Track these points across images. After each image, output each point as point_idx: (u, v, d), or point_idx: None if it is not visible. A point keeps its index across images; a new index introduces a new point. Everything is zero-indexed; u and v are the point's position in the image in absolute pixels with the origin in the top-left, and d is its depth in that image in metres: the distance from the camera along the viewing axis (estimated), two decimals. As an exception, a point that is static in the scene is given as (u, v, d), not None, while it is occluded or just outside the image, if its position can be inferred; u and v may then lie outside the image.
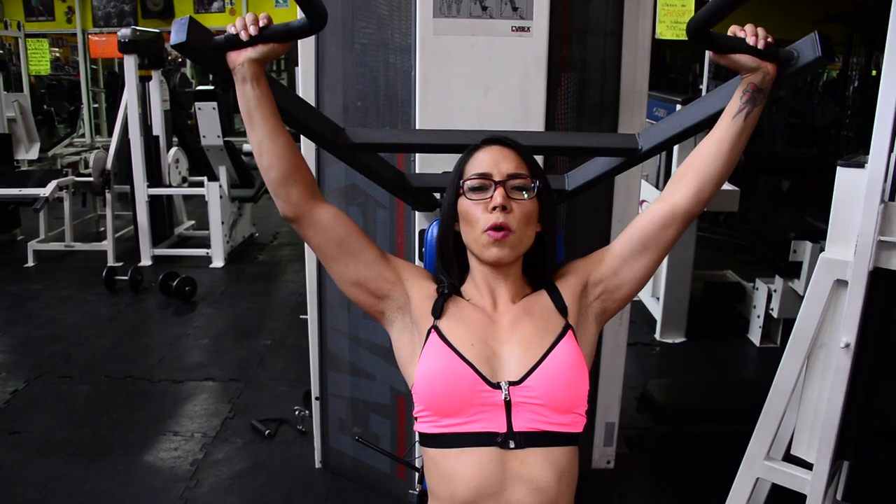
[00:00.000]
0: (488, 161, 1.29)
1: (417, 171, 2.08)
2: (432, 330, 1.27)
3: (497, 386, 1.22)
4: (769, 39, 1.21)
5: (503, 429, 1.20)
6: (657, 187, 4.34)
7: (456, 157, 1.38)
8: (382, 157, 1.67)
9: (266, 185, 1.29)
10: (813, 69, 1.26)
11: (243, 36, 1.17)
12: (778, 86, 1.28)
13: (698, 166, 1.29)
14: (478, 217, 1.27)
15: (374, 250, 1.33)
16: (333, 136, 1.50)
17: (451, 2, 1.94)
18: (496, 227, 1.25)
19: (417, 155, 2.11)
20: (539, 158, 1.44)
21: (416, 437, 1.30)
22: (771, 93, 1.28)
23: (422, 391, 1.24)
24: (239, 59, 1.20)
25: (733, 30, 1.24)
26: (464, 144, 1.38)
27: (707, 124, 1.37)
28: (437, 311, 1.29)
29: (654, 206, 1.33)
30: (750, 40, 1.21)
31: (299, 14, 1.23)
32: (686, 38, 1.31)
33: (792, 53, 1.25)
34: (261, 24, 1.18)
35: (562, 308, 1.31)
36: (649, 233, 1.31)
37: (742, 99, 1.25)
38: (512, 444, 1.20)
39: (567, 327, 1.28)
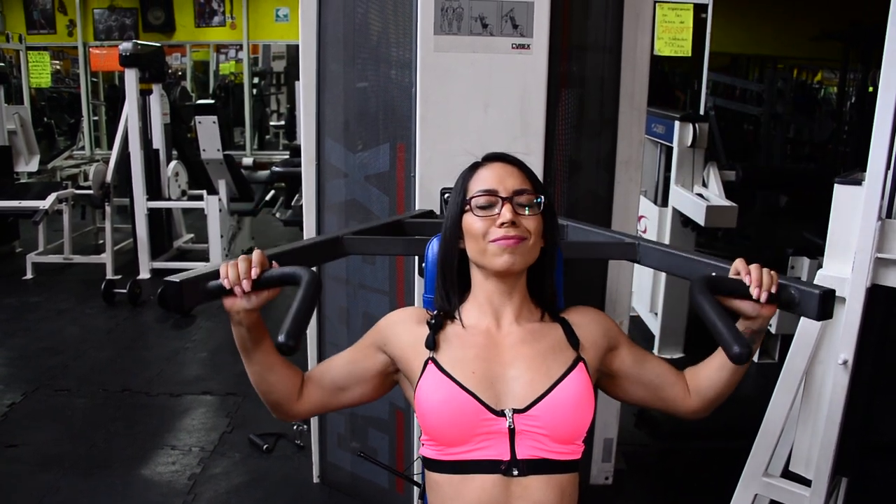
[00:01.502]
0: (493, 178, 1.30)
1: (417, 191, 2.10)
2: (429, 361, 1.27)
3: (501, 413, 1.21)
4: (773, 290, 1.20)
5: (507, 456, 1.20)
6: (655, 203, 4.35)
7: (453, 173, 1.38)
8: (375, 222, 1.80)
9: (263, 401, 1.34)
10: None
11: (237, 292, 1.16)
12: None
13: (708, 395, 1.35)
14: (485, 230, 1.27)
15: (354, 362, 1.36)
16: (333, 251, 1.59)
17: (452, 19, 1.96)
18: (507, 238, 1.25)
19: (417, 178, 2.11)
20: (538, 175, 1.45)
21: (418, 457, 1.30)
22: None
23: (425, 423, 1.24)
24: (234, 308, 1.19)
25: (738, 267, 1.24)
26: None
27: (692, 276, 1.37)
28: (431, 344, 1.28)
29: (681, 380, 1.38)
30: (753, 292, 1.19)
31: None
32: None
33: (794, 299, 1.23)
34: (254, 274, 1.16)
35: (574, 342, 1.30)
36: (664, 394, 1.37)
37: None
38: (515, 472, 1.20)
39: (579, 359, 1.28)
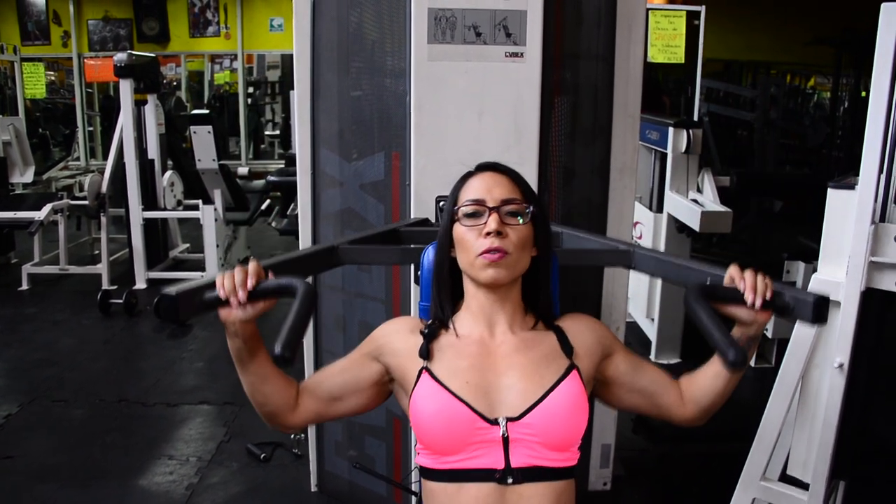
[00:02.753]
0: (482, 187, 1.30)
1: (413, 198, 2.10)
2: (423, 371, 1.27)
3: (495, 422, 1.21)
4: (768, 296, 1.20)
5: (501, 465, 1.21)
6: (650, 209, 4.36)
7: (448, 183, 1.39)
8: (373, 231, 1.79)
9: (257, 411, 1.33)
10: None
11: (233, 303, 1.16)
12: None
13: (703, 403, 1.34)
14: (472, 242, 1.28)
15: (350, 372, 1.36)
16: (329, 260, 1.58)
17: (446, 28, 1.97)
18: (491, 251, 1.26)
19: (412, 186, 2.12)
20: (532, 183, 1.46)
21: (416, 466, 1.30)
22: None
23: (420, 433, 1.24)
24: (230, 319, 1.19)
25: (732, 274, 1.24)
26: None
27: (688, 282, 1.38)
28: (425, 353, 1.29)
29: (675, 388, 1.37)
30: (748, 298, 1.20)
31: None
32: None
33: (787, 305, 1.24)
34: (249, 285, 1.17)
35: (567, 350, 1.31)
36: (659, 401, 1.37)
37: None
38: (510, 480, 1.20)
39: (572, 367, 1.28)
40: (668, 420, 1.38)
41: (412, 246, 1.74)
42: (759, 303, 1.20)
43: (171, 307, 1.16)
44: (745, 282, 1.21)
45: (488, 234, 1.26)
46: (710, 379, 1.32)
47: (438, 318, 1.35)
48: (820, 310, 1.21)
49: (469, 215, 1.29)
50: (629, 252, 1.55)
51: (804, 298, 1.21)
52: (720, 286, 1.24)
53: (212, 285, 1.19)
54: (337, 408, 1.36)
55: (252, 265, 1.19)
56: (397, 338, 1.34)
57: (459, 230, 1.30)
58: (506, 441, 1.21)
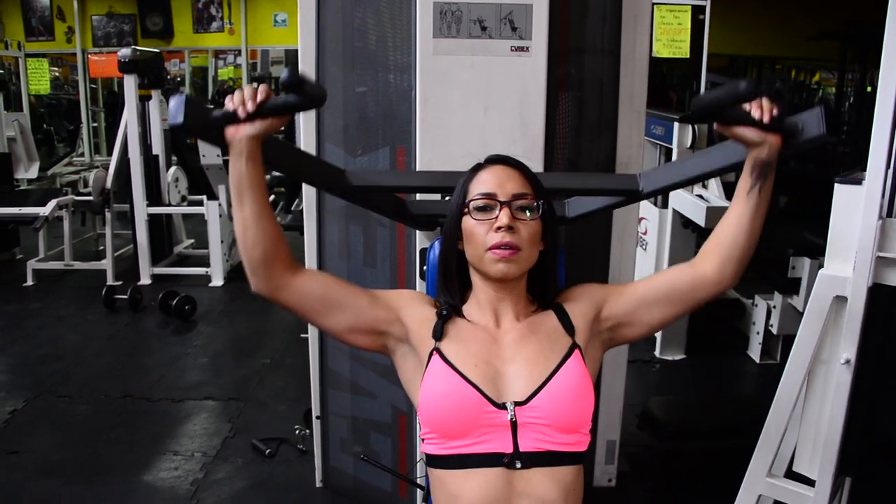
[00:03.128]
0: (493, 181, 1.30)
1: (418, 198, 2.09)
2: (434, 352, 1.27)
3: (503, 406, 1.22)
4: (774, 112, 1.20)
5: (509, 449, 1.21)
6: (655, 204, 4.35)
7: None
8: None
9: (245, 263, 1.28)
10: (816, 144, 1.25)
11: (241, 112, 1.17)
12: (783, 157, 1.27)
13: (724, 245, 1.30)
14: (483, 236, 1.27)
15: (362, 297, 1.33)
16: (335, 180, 1.53)
17: (451, 22, 1.96)
18: (503, 246, 1.25)
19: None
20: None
21: (421, 457, 1.30)
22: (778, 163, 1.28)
23: (427, 414, 1.24)
24: (237, 135, 1.19)
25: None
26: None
27: (707, 177, 1.38)
28: (438, 334, 1.29)
29: (684, 266, 1.34)
30: (755, 113, 1.20)
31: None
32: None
33: (796, 125, 1.24)
34: (259, 98, 1.17)
35: (569, 328, 1.31)
36: (679, 288, 1.32)
37: (752, 175, 1.25)
38: (518, 465, 1.20)
39: (574, 346, 1.28)
40: (703, 299, 1.33)
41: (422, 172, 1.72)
42: (766, 117, 1.19)
43: (179, 110, 1.16)
44: (752, 102, 1.21)
45: (499, 228, 1.26)
46: (733, 221, 1.29)
47: (449, 303, 1.35)
48: (829, 120, 1.20)
49: (480, 209, 1.29)
50: (634, 177, 1.54)
51: (809, 112, 1.22)
52: (726, 105, 1.22)
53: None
54: (324, 313, 1.32)
55: (262, 86, 1.20)
56: (422, 307, 1.35)
57: (469, 223, 1.30)
58: (514, 425, 1.21)
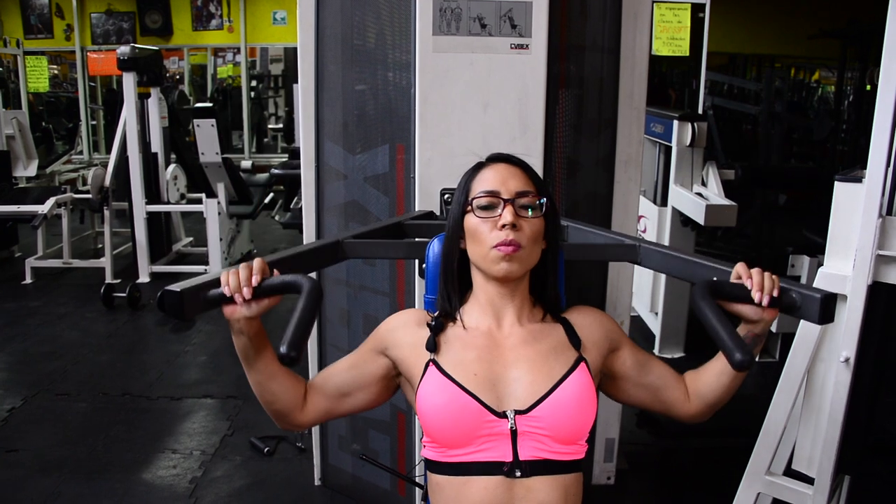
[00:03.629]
0: (496, 179, 1.29)
1: (417, 191, 2.09)
2: (430, 364, 1.26)
3: (503, 415, 1.21)
4: (775, 294, 1.19)
5: (509, 458, 1.20)
6: (655, 203, 4.35)
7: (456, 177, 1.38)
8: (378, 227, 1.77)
9: (266, 410, 1.33)
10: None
11: (238, 300, 1.15)
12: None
13: (706, 396, 1.34)
14: (486, 234, 1.26)
15: (353, 369, 1.36)
16: (333, 255, 1.57)
17: (451, 19, 1.96)
18: (507, 244, 1.25)
19: (417, 179, 2.11)
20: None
21: (421, 459, 1.29)
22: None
23: (427, 425, 1.23)
24: (234, 316, 1.18)
25: (739, 272, 1.23)
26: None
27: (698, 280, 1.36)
28: (432, 346, 1.28)
29: (681, 384, 1.37)
30: (755, 296, 1.19)
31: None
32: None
33: (795, 303, 1.23)
34: (254, 283, 1.15)
35: (576, 343, 1.30)
36: (666, 395, 1.37)
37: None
38: (518, 473, 1.20)
39: (580, 360, 1.28)
40: (672, 416, 1.38)
41: (417, 240, 1.74)
42: (766, 301, 1.19)
43: (175, 305, 1.14)
44: (752, 280, 1.20)
45: (503, 226, 1.25)
46: (715, 376, 1.32)
47: (445, 309, 1.34)
48: (827, 307, 1.20)
49: (483, 207, 1.28)
50: (635, 247, 1.54)
51: (811, 296, 1.21)
52: (727, 283, 1.23)
53: (216, 282, 1.17)
54: (345, 404, 1.36)
55: (256, 262, 1.18)
56: (404, 331, 1.33)
57: (472, 221, 1.29)
58: (514, 434, 1.20)
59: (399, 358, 1.32)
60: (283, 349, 1.08)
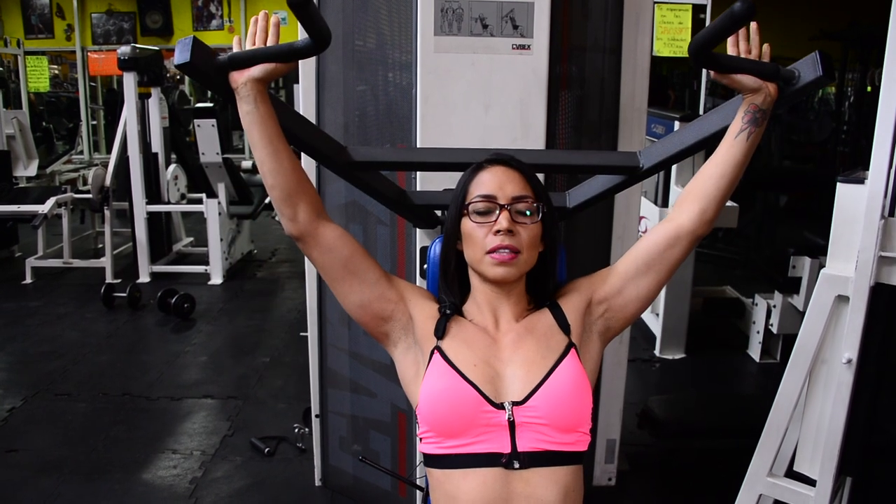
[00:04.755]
0: (493, 183, 1.29)
1: (419, 189, 2.09)
2: (435, 350, 1.27)
3: (501, 406, 1.21)
4: (765, 49, 1.23)
5: (507, 449, 1.20)
6: (656, 203, 4.34)
7: (458, 174, 1.38)
8: (384, 176, 1.68)
9: (272, 202, 1.28)
10: (814, 88, 1.26)
11: (248, 44, 1.20)
12: (779, 105, 1.28)
13: (702, 186, 1.30)
14: (482, 239, 1.27)
15: (378, 271, 1.33)
16: (335, 154, 1.50)
17: (452, 20, 1.96)
18: (502, 248, 1.24)
19: (418, 177, 2.11)
20: (539, 175, 1.44)
21: (420, 458, 1.29)
22: (772, 112, 1.28)
23: (426, 412, 1.23)
24: (241, 79, 1.20)
25: (732, 46, 1.25)
26: (465, 163, 1.38)
27: (708, 143, 1.37)
28: (440, 332, 1.28)
29: (659, 226, 1.32)
30: (742, 46, 1.23)
31: (301, 34, 1.23)
32: (684, 56, 1.33)
33: (793, 72, 1.25)
34: (267, 40, 1.20)
35: (564, 326, 1.30)
36: (654, 252, 1.31)
37: (744, 119, 1.26)
38: (516, 465, 1.19)
39: (570, 346, 1.28)
40: (681, 253, 1.31)
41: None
42: (755, 51, 1.23)
43: (185, 50, 1.16)
44: (741, 41, 1.24)
45: (498, 231, 1.25)
46: (718, 161, 1.29)
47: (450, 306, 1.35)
48: (825, 62, 1.20)
49: (479, 212, 1.28)
50: (634, 154, 1.53)
51: (805, 58, 1.23)
52: (724, 54, 1.23)
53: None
54: (342, 277, 1.31)
55: (274, 18, 1.22)
56: (429, 304, 1.34)
57: (468, 225, 1.29)
58: (512, 425, 1.20)
59: (417, 320, 1.31)
60: None
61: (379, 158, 1.60)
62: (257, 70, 1.19)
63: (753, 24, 1.23)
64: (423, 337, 1.30)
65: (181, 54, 1.16)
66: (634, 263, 1.33)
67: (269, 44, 1.19)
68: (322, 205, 1.31)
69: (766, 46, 1.24)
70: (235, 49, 1.20)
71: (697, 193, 1.30)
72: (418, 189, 2.09)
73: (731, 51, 1.25)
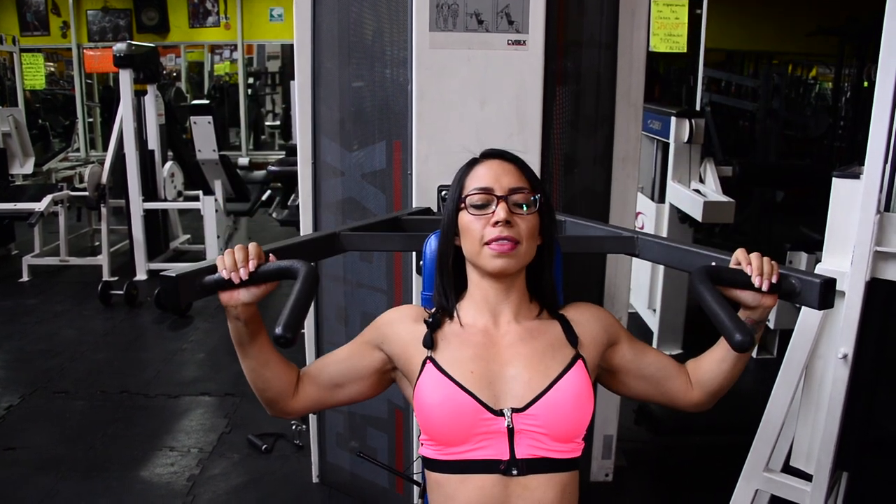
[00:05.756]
0: (489, 175, 1.28)
1: (414, 193, 2.09)
2: (427, 361, 1.26)
3: (500, 413, 1.21)
4: (774, 279, 1.20)
5: (506, 456, 1.20)
6: (652, 199, 4.34)
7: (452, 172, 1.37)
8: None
9: (258, 397, 1.33)
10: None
11: (234, 279, 1.15)
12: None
13: (708, 384, 1.34)
14: (480, 231, 1.26)
15: (347, 360, 1.35)
16: (330, 247, 1.57)
17: (448, 16, 1.95)
18: (500, 240, 1.24)
19: (414, 176, 2.10)
20: (535, 172, 1.44)
21: (418, 456, 1.29)
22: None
23: (424, 423, 1.23)
24: (231, 301, 1.18)
25: (738, 258, 1.23)
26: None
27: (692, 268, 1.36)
28: (429, 343, 1.27)
29: (683, 373, 1.38)
30: (755, 281, 1.20)
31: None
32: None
33: (795, 288, 1.23)
34: (251, 267, 1.16)
35: (573, 340, 1.29)
36: (667, 386, 1.37)
37: None
38: (515, 472, 1.20)
39: (577, 357, 1.27)
40: (675, 406, 1.38)
41: (414, 233, 1.73)
42: (765, 285, 1.19)
43: (171, 290, 1.14)
44: (752, 265, 1.21)
45: (497, 223, 1.24)
46: (716, 363, 1.32)
47: (442, 306, 1.34)
48: (826, 293, 1.20)
49: (476, 205, 1.28)
50: (633, 238, 1.54)
51: (811, 281, 1.21)
52: (726, 269, 1.23)
53: (212, 269, 1.17)
54: (337, 395, 1.35)
55: (252, 246, 1.18)
56: (401, 326, 1.33)
57: (466, 219, 1.28)
58: (511, 432, 1.20)
59: (395, 353, 1.31)
60: (278, 330, 1.08)
61: (367, 246, 1.73)
62: (246, 293, 1.18)
63: (766, 259, 1.22)
64: (408, 360, 1.30)
65: (168, 297, 1.15)
66: (652, 370, 1.37)
67: (251, 269, 1.16)
68: (296, 380, 1.34)
69: (768, 266, 1.21)
70: (222, 275, 1.16)
71: (705, 388, 1.35)
72: (414, 187, 2.09)
73: (734, 261, 1.24)
